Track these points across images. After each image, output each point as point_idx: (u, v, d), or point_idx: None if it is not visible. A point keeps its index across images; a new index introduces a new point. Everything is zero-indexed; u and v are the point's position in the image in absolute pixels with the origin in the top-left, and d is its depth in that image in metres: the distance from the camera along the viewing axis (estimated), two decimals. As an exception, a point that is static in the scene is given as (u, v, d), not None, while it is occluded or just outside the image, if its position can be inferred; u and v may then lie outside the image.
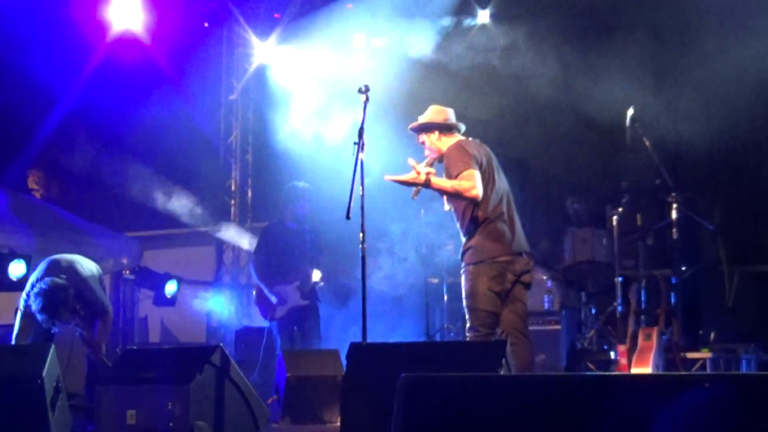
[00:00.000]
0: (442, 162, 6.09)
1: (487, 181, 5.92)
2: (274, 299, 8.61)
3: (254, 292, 9.05)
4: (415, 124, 6.30)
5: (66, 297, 7.19)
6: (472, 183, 5.76)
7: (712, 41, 9.10)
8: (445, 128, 6.23)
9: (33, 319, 7.28)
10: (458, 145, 6.04)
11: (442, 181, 5.88)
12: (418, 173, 5.80)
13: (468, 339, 5.93)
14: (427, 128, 6.24)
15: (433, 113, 6.28)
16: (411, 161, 5.88)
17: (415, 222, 9.05)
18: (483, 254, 5.86)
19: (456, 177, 5.82)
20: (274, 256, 8.73)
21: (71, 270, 7.46)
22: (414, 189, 5.90)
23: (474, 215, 5.91)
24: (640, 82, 9.24)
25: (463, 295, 5.98)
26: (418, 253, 9.04)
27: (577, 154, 9.93)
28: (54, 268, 7.40)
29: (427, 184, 5.82)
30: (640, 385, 2.92)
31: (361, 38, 11.01)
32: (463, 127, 6.32)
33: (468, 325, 5.94)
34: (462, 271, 6.02)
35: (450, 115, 6.30)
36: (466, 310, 5.94)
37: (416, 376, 2.95)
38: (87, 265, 7.71)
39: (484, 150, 6.12)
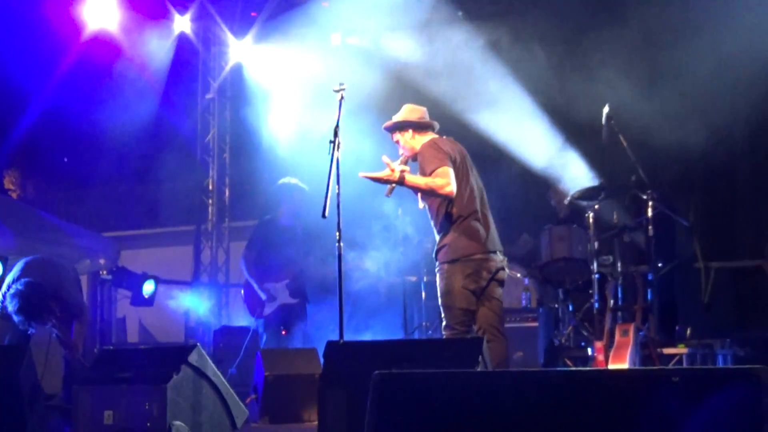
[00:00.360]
0: (416, 161, 6.10)
1: (461, 178, 5.92)
2: (263, 296, 8.60)
3: (242, 290, 9.03)
4: (389, 122, 6.30)
5: (42, 298, 7.15)
6: (446, 180, 5.77)
7: (688, 41, 9.15)
8: (420, 127, 6.23)
9: (9, 320, 7.25)
10: (432, 143, 6.04)
11: (416, 178, 5.89)
12: (393, 170, 5.80)
13: (444, 337, 5.95)
14: (402, 127, 6.24)
15: (407, 112, 6.29)
16: (385, 158, 5.88)
17: (394, 220, 9.05)
18: (457, 252, 5.87)
19: (430, 174, 5.83)
20: (265, 253, 8.71)
21: (48, 271, 7.43)
22: (388, 187, 5.91)
23: (448, 213, 5.93)
24: (616, 81, 9.29)
25: (439, 293, 5.99)
26: (395, 251, 9.04)
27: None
28: (30, 269, 7.36)
29: (401, 182, 5.82)
30: (617, 379, 2.94)
31: (337, 37, 11.03)
32: (437, 126, 6.33)
33: (444, 323, 5.95)
34: (437, 270, 6.03)
35: (424, 113, 6.31)
36: (441, 309, 5.96)
37: (389, 373, 2.95)
38: (63, 266, 7.68)
39: (458, 148, 6.13)
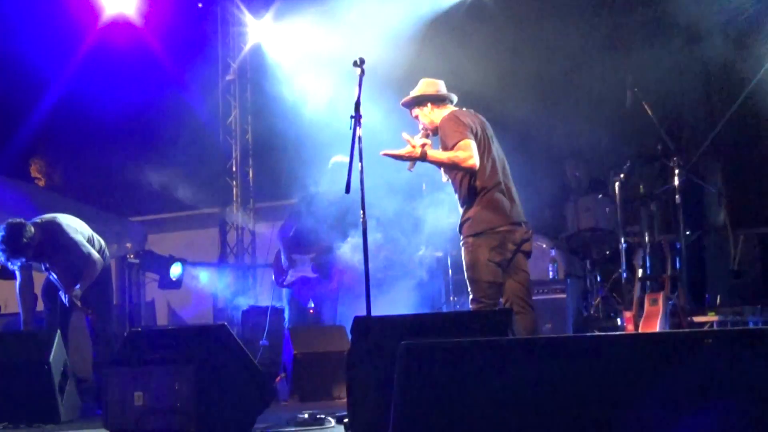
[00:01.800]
0: (437, 134, 6.04)
1: (483, 150, 5.87)
2: (285, 263, 8.60)
3: (274, 257, 9.02)
4: (407, 98, 6.25)
5: (22, 233, 7.32)
6: (469, 153, 5.71)
7: (705, 10, 9.03)
8: (438, 100, 6.17)
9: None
10: (452, 116, 5.98)
11: (438, 153, 5.83)
12: (414, 147, 5.75)
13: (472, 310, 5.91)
14: (420, 101, 6.18)
15: (425, 86, 6.23)
16: (405, 135, 5.82)
17: (418, 196, 9.00)
18: (482, 225, 5.82)
19: (452, 147, 5.77)
20: (302, 224, 8.67)
21: (46, 219, 7.66)
22: (410, 162, 5.86)
23: (471, 185, 5.87)
24: (640, 48, 9.19)
25: (464, 267, 5.94)
26: (419, 228, 8.99)
27: (578, 121, 9.87)
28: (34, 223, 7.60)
29: (423, 157, 5.76)
30: (649, 343, 2.90)
31: (356, 13, 10.95)
32: (455, 98, 6.27)
33: (471, 296, 5.91)
34: (462, 243, 5.97)
35: (441, 86, 6.25)
36: (468, 282, 5.92)
37: (415, 343, 2.93)
38: (70, 220, 7.85)
39: (478, 119, 6.06)
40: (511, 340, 3.71)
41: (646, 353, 2.86)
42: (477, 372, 2.88)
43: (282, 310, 8.93)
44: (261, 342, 8.80)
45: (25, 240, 7.32)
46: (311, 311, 8.76)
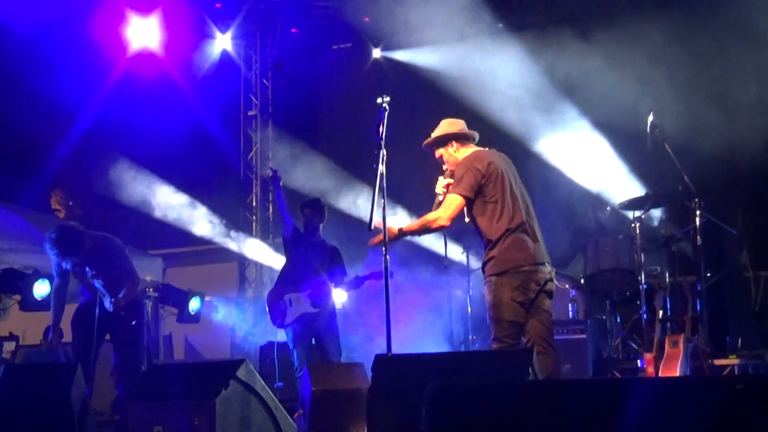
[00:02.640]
0: None
1: (503, 190, 5.89)
2: (288, 302, 8.56)
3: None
4: (430, 139, 6.28)
5: (74, 235, 7.56)
6: (441, 213, 5.87)
7: (732, 48, 9.06)
8: (462, 138, 6.21)
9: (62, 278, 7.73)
10: (467, 161, 5.99)
11: (410, 226, 6.06)
12: (390, 229, 5.85)
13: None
14: (443, 141, 6.21)
15: (447, 125, 6.26)
16: (441, 184, 6.00)
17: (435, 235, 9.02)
18: (506, 264, 5.81)
19: (445, 195, 5.93)
20: (288, 266, 8.70)
21: (99, 233, 7.94)
22: (372, 239, 5.95)
23: (495, 225, 5.88)
24: (661, 88, 9.20)
25: (487, 306, 5.93)
26: (440, 264, 9.00)
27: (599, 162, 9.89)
28: None
29: (401, 236, 5.98)
30: (671, 387, 2.89)
31: (377, 51, 11.04)
32: (477, 137, 6.31)
33: (492, 335, 5.89)
34: (485, 282, 5.97)
35: (463, 125, 6.28)
36: (489, 321, 5.90)
37: (444, 383, 2.93)
38: (111, 238, 8.02)
39: (498, 159, 6.07)
40: (539, 381, 3.70)
41: (673, 397, 2.84)
42: (505, 413, 2.88)
43: (291, 350, 8.87)
44: (276, 385, 8.74)
45: (77, 242, 7.54)
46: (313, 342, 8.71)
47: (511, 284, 5.78)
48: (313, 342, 8.62)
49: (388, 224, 5.84)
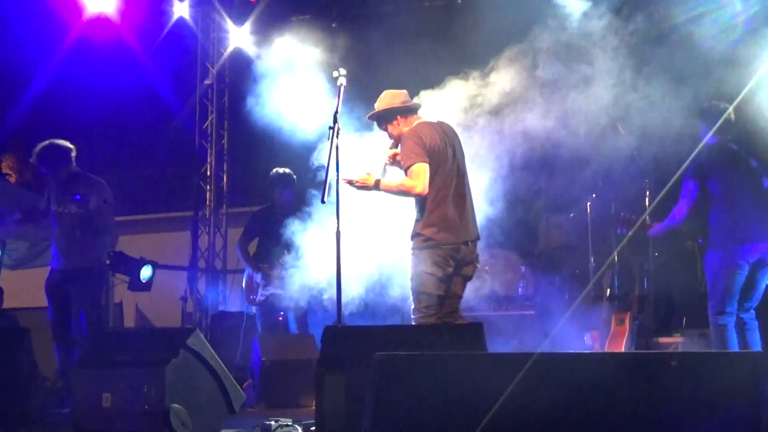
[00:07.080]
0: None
1: (439, 164, 5.93)
2: (258, 280, 8.56)
3: (244, 275, 8.99)
4: (373, 112, 6.29)
5: (65, 155, 7.66)
6: (416, 181, 5.84)
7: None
8: (405, 111, 6.22)
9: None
10: (413, 133, 6.01)
11: (389, 184, 6.00)
12: (369, 176, 5.87)
13: (413, 321, 5.95)
14: (387, 114, 6.23)
15: (390, 98, 6.25)
16: (388, 151, 6.00)
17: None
18: (428, 239, 5.89)
19: (407, 170, 5.89)
20: (262, 240, 8.70)
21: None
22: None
23: (423, 199, 5.93)
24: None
25: (409, 276, 6.00)
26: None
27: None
28: None
29: (376, 187, 5.95)
30: (614, 362, 2.96)
31: (338, 24, 10.99)
32: (421, 105, 6.34)
33: (413, 306, 5.96)
34: (410, 253, 6.04)
35: (406, 96, 6.29)
36: (411, 292, 5.97)
37: (391, 355, 2.97)
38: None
39: (442, 129, 6.10)
40: (485, 355, 3.77)
41: (615, 373, 2.91)
42: (452, 385, 2.93)
43: (255, 317, 8.90)
44: (235, 362, 8.74)
45: (66, 156, 7.64)
46: (281, 318, 8.74)
47: (432, 258, 5.86)
48: (281, 318, 8.67)
49: (365, 175, 5.90)
